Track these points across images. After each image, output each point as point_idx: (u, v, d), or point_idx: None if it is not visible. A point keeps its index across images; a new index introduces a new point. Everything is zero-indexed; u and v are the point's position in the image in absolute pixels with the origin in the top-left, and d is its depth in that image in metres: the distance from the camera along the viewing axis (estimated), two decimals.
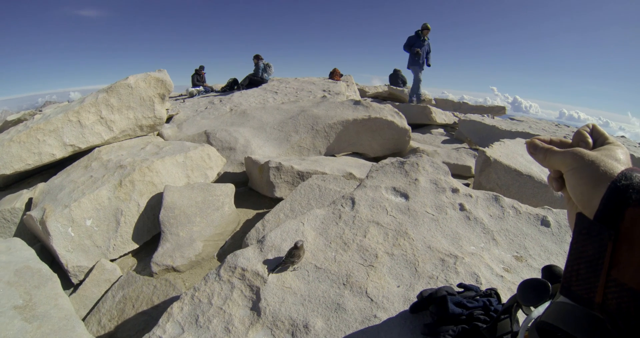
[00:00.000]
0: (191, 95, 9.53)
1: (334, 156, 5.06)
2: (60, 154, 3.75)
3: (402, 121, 5.32)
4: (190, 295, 1.51)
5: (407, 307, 1.36)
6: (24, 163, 3.54)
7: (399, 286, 1.49)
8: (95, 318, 2.35)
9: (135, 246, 3.08)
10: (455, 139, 7.18)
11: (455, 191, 2.18)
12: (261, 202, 3.86)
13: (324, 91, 8.55)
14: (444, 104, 13.55)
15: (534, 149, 0.59)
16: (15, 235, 3.14)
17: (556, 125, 7.66)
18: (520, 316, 1.00)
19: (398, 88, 12.66)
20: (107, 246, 2.94)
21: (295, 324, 1.33)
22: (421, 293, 1.32)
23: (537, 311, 0.75)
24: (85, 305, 2.52)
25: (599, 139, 0.56)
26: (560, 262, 1.70)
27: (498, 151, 3.70)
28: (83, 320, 2.35)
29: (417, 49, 8.74)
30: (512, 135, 5.72)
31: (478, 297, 1.25)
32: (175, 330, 1.37)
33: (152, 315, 2.31)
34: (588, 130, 0.57)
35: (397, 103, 9.27)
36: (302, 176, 3.67)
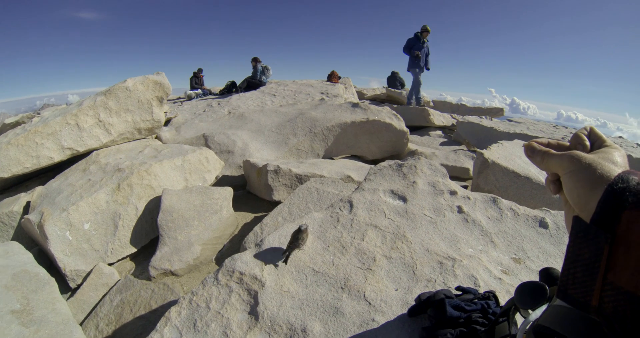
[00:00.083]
0: (189, 98, 9.53)
1: (332, 158, 5.06)
2: (58, 157, 3.74)
3: (400, 124, 5.33)
4: (188, 299, 1.51)
5: (405, 311, 1.36)
6: (22, 166, 3.53)
7: (397, 290, 1.49)
8: (93, 322, 2.34)
9: (133, 250, 3.07)
10: (453, 141, 7.19)
11: (453, 193, 2.19)
12: (259, 205, 3.85)
13: (322, 93, 8.56)
14: (442, 106, 13.59)
15: (532, 152, 0.59)
16: (13, 239, 3.13)
17: (554, 126, 7.68)
18: (519, 319, 1.00)
19: (396, 90, 12.69)
20: (105, 250, 2.93)
21: (293, 328, 1.33)
22: (419, 296, 1.32)
23: (535, 314, 0.75)
24: (82, 309, 2.50)
25: (597, 142, 0.56)
26: (559, 264, 1.70)
27: (496, 152, 3.71)
28: (81, 324, 2.33)
29: (417, 52, 8.75)
30: (510, 137, 5.74)
31: (476, 300, 1.25)
32: (173, 334, 1.37)
33: (150, 320, 2.30)
34: (585, 133, 0.57)
35: (395, 105, 9.29)
36: (300, 179, 3.67)
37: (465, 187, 4.27)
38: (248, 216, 3.60)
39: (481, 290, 1.44)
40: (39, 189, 3.45)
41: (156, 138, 5.27)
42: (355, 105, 5.61)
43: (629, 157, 4.92)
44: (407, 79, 13.77)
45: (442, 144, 6.92)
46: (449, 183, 2.30)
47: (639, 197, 0.41)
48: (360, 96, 12.45)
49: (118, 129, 4.18)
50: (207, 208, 3.17)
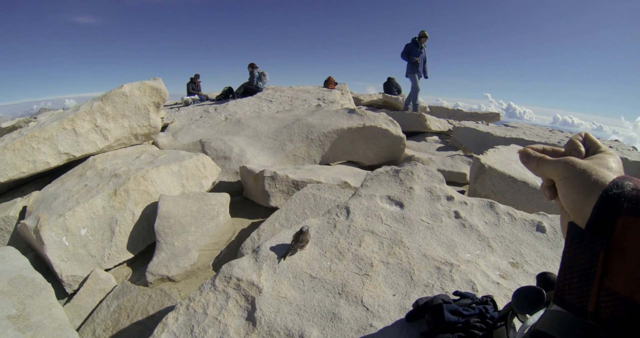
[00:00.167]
0: (186, 103, 9.52)
1: (329, 164, 5.07)
2: (54, 162, 3.73)
3: (396, 129, 5.35)
4: (186, 305, 1.50)
5: (403, 316, 1.36)
6: (18, 171, 3.51)
7: (394, 295, 1.49)
8: (90, 328, 2.32)
9: (130, 255, 3.06)
10: (450, 146, 7.22)
11: (450, 198, 2.19)
12: (256, 211, 3.84)
13: (319, 99, 8.58)
14: (439, 112, 13.66)
15: (527, 158, 0.59)
16: (9, 244, 3.10)
17: (550, 130, 7.73)
18: (517, 323, 1.00)
19: (393, 96, 12.74)
20: (101, 256, 2.91)
21: (290, 334, 1.32)
22: (417, 301, 1.32)
23: (533, 319, 0.75)
24: (79, 315, 2.48)
25: (592, 148, 0.56)
26: (556, 268, 1.70)
27: (492, 157, 3.73)
28: (77, 330, 2.31)
29: (415, 58, 8.74)
30: (507, 141, 5.77)
31: (474, 305, 1.25)
32: None
33: (147, 325, 2.28)
34: (580, 139, 0.58)
35: (391, 111, 9.32)
36: (297, 185, 3.67)
37: (462, 192, 4.28)
38: (245, 222, 3.60)
39: (479, 295, 1.44)
40: (35, 194, 3.43)
41: (153, 143, 5.27)
42: (351, 111, 5.63)
43: (625, 160, 4.95)
44: (404, 84, 13.84)
45: (439, 149, 6.95)
46: (446, 188, 2.31)
47: (633, 203, 0.41)
48: (357, 101, 12.50)
49: (115, 135, 4.17)
50: (204, 214, 3.16)
